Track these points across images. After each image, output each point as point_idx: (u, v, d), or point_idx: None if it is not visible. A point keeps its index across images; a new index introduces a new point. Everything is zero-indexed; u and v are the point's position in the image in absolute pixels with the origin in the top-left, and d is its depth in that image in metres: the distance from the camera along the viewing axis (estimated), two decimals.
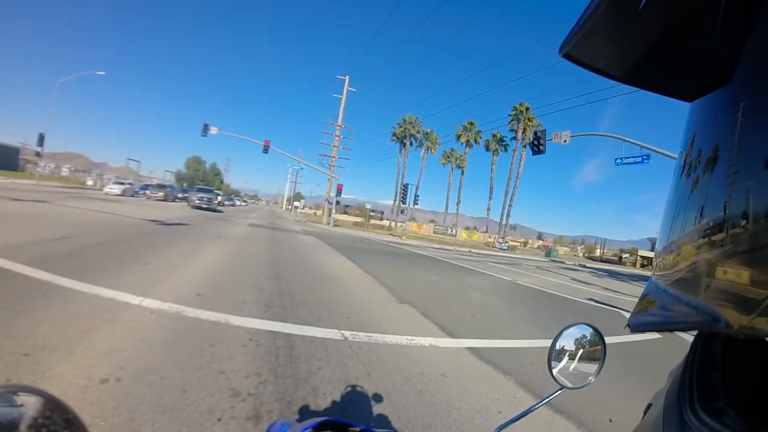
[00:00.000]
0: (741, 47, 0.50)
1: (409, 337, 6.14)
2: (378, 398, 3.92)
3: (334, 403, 3.69)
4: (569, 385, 1.22)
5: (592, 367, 1.22)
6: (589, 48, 0.61)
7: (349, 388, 4.04)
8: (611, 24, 0.56)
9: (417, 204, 58.85)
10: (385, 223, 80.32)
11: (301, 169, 66.69)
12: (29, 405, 0.60)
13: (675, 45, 0.58)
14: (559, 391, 1.24)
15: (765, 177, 0.43)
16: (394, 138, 78.41)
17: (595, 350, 1.23)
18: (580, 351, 1.23)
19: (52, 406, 0.62)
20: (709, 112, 0.59)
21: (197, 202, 38.80)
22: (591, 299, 15.23)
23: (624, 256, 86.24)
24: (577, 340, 1.24)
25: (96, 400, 3.09)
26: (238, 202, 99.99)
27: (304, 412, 3.41)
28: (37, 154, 48.13)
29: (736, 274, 0.45)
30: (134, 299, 5.81)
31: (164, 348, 4.30)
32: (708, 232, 0.51)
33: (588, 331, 1.24)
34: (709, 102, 0.58)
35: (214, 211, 39.45)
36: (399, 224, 67.38)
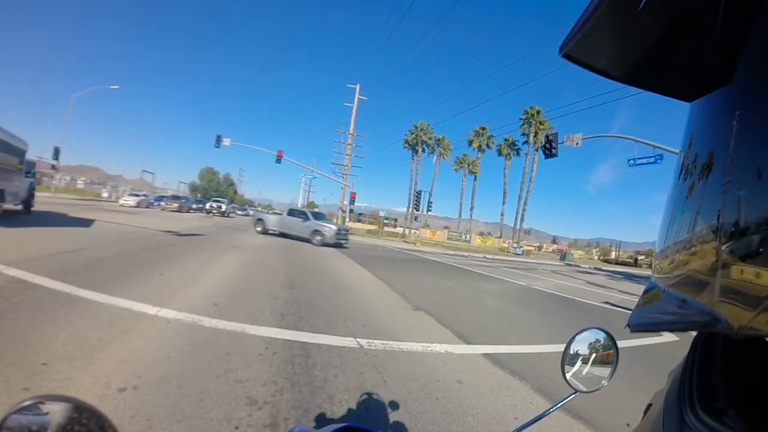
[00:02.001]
0: (741, 48, 0.50)
1: (425, 344, 6.12)
2: (394, 405, 3.91)
3: (350, 410, 3.69)
4: (583, 388, 1.23)
5: (605, 371, 1.24)
6: (589, 48, 0.61)
7: (366, 396, 4.04)
8: (611, 24, 0.56)
9: (430, 210, 58.99)
10: (399, 230, 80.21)
11: (314, 178, 67.04)
12: (57, 413, 0.61)
13: (675, 45, 0.58)
14: (573, 395, 1.25)
15: (757, 188, 0.43)
16: (406, 145, 78.35)
17: (608, 354, 1.25)
18: (594, 355, 1.24)
19: (87, 413, 0.64)
20: (709, 113, 0.59)
21: (335, 237, 24.77)
22: (607, 302, 15.08)
23: (640, 258, 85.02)
24: (590, 344, 1.25)
25: (114, 408, 3.11)
26: (251, 212, 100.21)
27: (321, 420, 3.42)
28: (53, 167, 48.67)
29: (735, 276, 0.45)
30: (151, 309, 5.86)
31: (181, 357, 4.33)
32: (704, 236, 0.52)
33: (601, 336, 1.26)
34: (709, 102, 0.58)
35: (342, 247, 25.60)
36: (413, 231, 67.25)
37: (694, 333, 0.77)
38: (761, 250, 0.42)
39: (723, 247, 0.48)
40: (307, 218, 26.51)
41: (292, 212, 28.44)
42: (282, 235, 26.73)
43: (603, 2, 0.53)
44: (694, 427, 0.60)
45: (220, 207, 56.63)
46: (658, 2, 0.53)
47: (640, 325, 0.69)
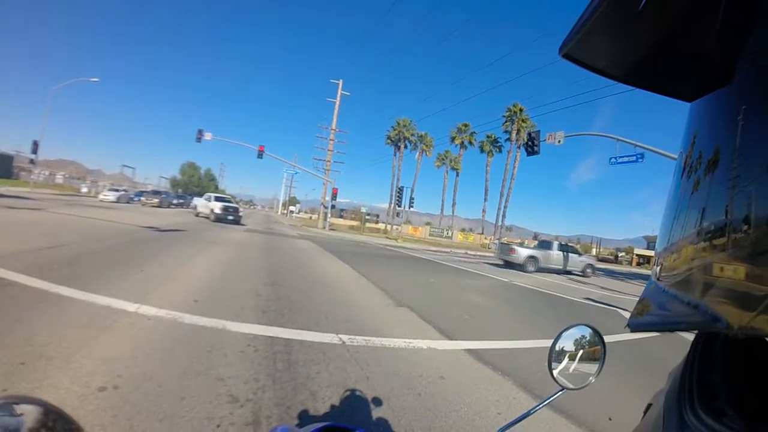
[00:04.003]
0: (741, 47, 0.50)
1: (407, 340, 6.14)
2: (377, 402, 3.91)
3: (333, 407, 3.68)
4: (570, 385, 1.22)
5: (592, 368, 1.23)
6: (589, 48, 0.61)
7: (348, 393, 4.03)
8: (611, 24, 0.56)
9: (412, 207, 58.89)
10: (381, 226, 79.97)
11: (296, 173, 66.80)
12: (29, 415, 0.60)
13: (675, 45, 0.58)
14: (560, 392, 1.25)
15: (761, 186, 0.43)
16: (389, 141, 78.36)
17: (595, 350, 1.24)
18: (580, 352, 1.24)
19: (53, 416, 0.63)
20: (710, 113, 0.59)
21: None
22: (588, 298, 15.24)
23: (620, 255, 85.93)
24: (576, 340, 1.24)
25: (94, 408, 3.07)
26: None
27: (304, 417, 3.41)
28: (32, 161, 48.04)
29: (736, 275, 0.45)
30: (131, 306, 5.79)
31: (162, 355, 4.28)
32: (709, 234, 0.51)
33: (587, 332, 1.25)
34: (709, 102, 0.58)
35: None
36: (395, 227, 67.18)
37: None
38: (762, 250, 0.42)
39: (724, 248, 0.48)
40: (578, 253, 28.39)
41: (563, 247, 27.98)
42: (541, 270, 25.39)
43: (603, 2, 0.53)
44: (694, 427, 0.60)
45: (235, 210, 33.64)
46: (658, 2, 0.53)
47: (640, 325, 0.69)
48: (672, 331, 0.62)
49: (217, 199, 34.81)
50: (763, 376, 0.69)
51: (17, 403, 0.61)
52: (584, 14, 0.56)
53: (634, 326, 0.70)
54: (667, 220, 0.66)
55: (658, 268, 0.69)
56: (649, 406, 1.06)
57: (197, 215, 35.38)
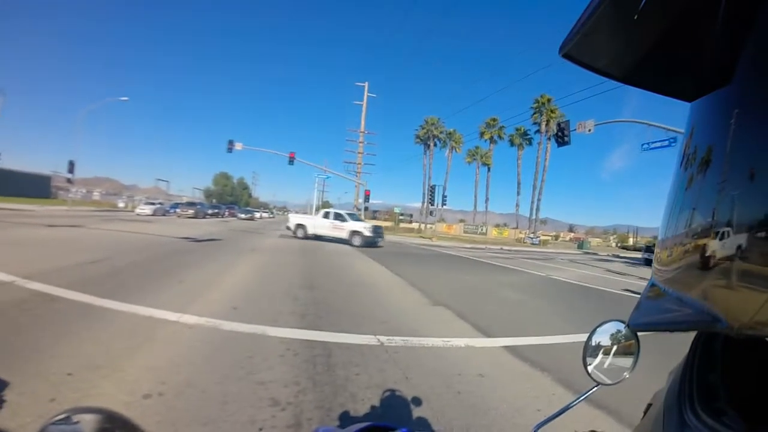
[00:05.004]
0: (741, 47, 0.49)
1: (445, 339, 6.12)
2: (417, 401, 3.91)
3: (373, 408, 3.70)
4: (605, 380, 1.21)
5: (627, 362, 1.22)
6: (589, 48, 0.61)
7: (388, 393, 4.04)
8: (611, 24, 0.56)
9: (445, 204, 58.67)
10: (415, 225, 79.84)
11: (328, 177, 67.02)
12: (87, 423, 0.63)
13: (675, 45, 0.58)
14: (596, 388, 1.24)
15: (749, 189, 0.43)
16: (418, 140, 78.38)
17: (630, 345, 1.23)
18: (615, 346, 1.22)
19: (115, 422, 0.65)
20: (710, 113, 0.59)
21: None
22: (627, 290, 14.96)
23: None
24: (611, 335, 1.23)
25: (140, 415, 3.15)
26: (260, 215, 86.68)
27: (344, 419, 3.43)
28: (69, 180, 49.48)
29: (736, 275, 0.45)
30: (172, 316, 5.92)
31: (204, 362, 4.37)
32: (709, 234, 0.51)
33: (622, 327, 1.24)
34: (709, 102, 0.58)
35: None
36: (428, 226, 67.02)
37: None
38: (759, 250, 0.42)
39: (723, 246, 0.47)
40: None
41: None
42: None
43: (603, 2, 0.53)
44: (694, 427, 0.59)
45: (382, 231, 29.21)
46: (659, 2, 0.53)
47: (640, 325, 0.70)
48: (672, 331, 0.61)
49: (353, 217, 28.55)
50: (763, 376, 0.69)
51: (76, 414, 0.64)
52: (584, 14, 0.56)
53: (634, 326, 0.71)
54: (666, 219, 0.65)
55: (658, 267, 0.68)
56: (649, 405, 1.05)
57: (302, 237, 27.33)
